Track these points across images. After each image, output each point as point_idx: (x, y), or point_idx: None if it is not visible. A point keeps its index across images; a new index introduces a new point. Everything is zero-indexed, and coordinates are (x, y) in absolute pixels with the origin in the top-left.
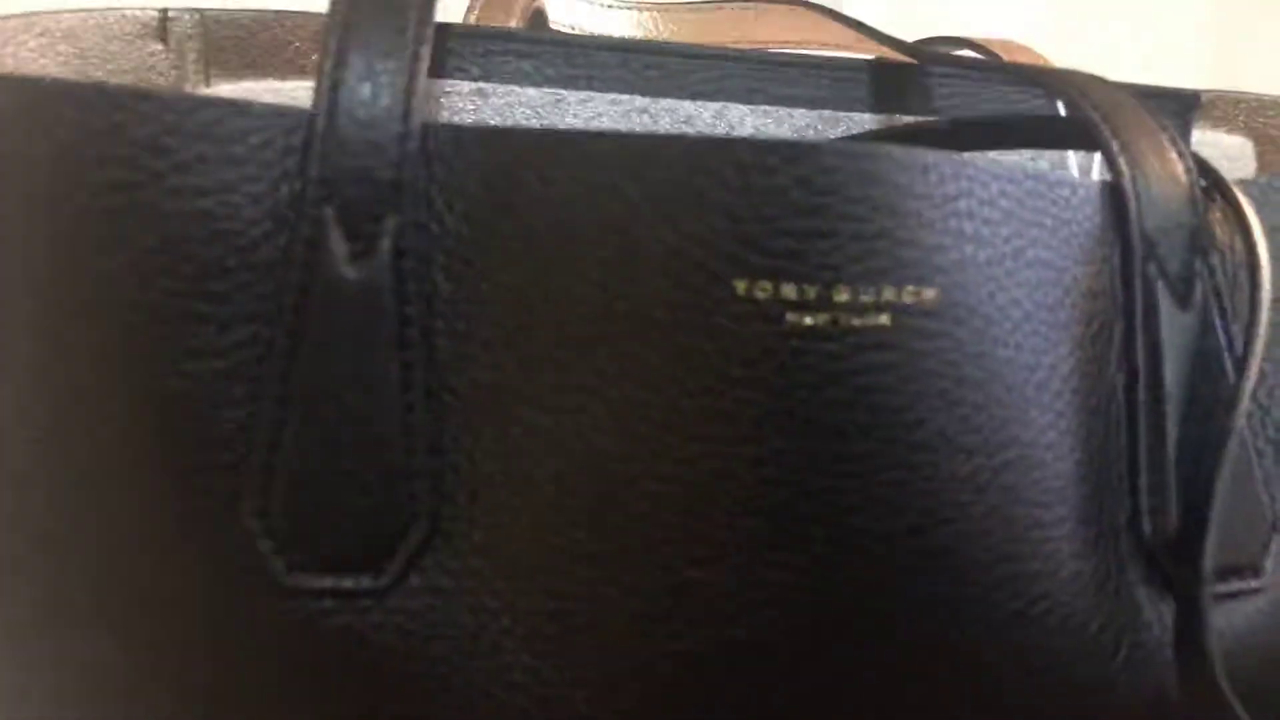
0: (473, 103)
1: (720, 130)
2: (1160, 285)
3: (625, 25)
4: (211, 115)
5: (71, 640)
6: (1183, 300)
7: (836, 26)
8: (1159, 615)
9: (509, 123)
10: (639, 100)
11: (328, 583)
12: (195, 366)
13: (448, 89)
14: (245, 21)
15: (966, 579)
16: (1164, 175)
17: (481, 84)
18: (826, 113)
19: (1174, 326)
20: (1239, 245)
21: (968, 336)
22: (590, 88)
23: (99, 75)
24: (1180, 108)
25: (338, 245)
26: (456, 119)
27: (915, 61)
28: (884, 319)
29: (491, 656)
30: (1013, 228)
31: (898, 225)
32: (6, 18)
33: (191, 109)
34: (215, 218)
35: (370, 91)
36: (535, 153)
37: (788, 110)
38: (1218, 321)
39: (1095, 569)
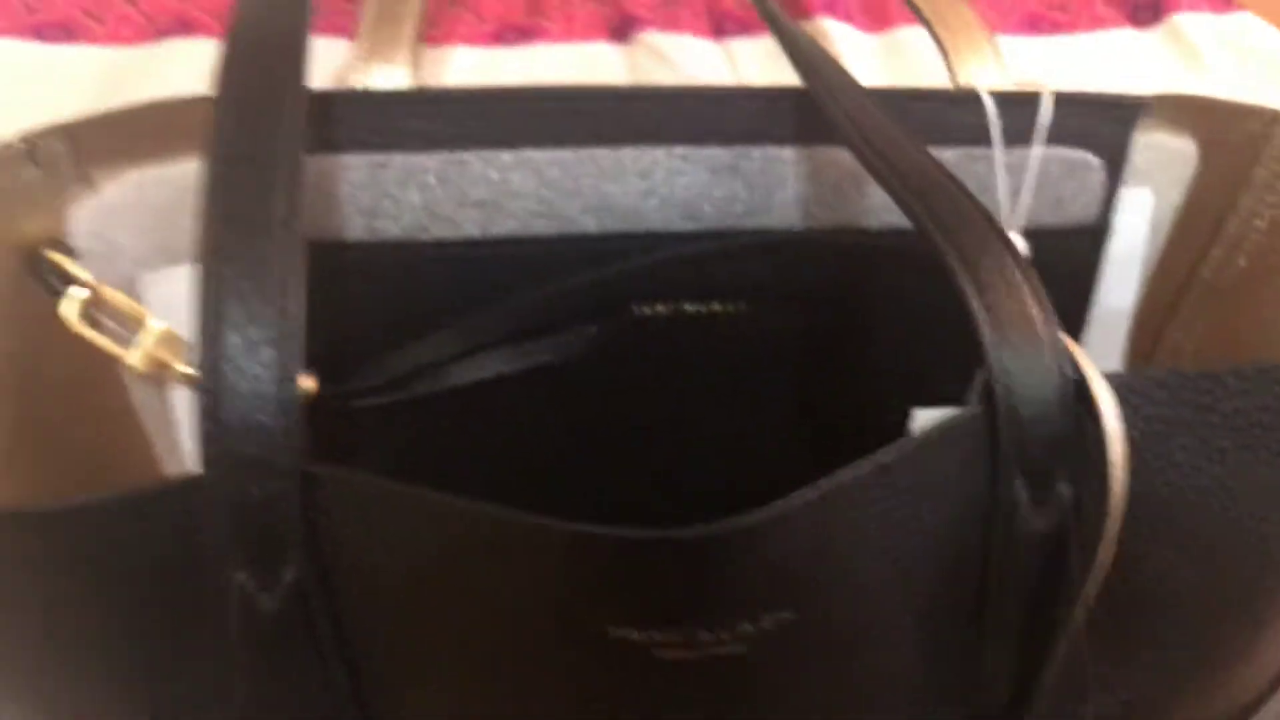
0: (372, 176)
1: (642, 179)
2: (1023, 494)
3: None
4: (108, 526)
5: None
6: (1043, 503)
7: None
8: None
9: (409, 192)
10: (547, 154)
11: None
12: (159, 689)
13: (345, 165)
14: (113, 119)
15: None
16: (1038, 380)
17: (378, 155)
18: (740, 148)
19: (1032, 528)
20: (1098, 446)
21: (822, 639)
22: (496, 145)
23: None
24: (1124, 115)
25: (248, 584)
26: (356, 195)
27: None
28: (741, 648)
29: None
30: (877, 527)
31: (759, 571)
32: None
33: (83, 518)
34: (158, 594)
35: (243, 425)
36: (406, 513)
37: (704, 150)
38: (1073, 518)
39: None
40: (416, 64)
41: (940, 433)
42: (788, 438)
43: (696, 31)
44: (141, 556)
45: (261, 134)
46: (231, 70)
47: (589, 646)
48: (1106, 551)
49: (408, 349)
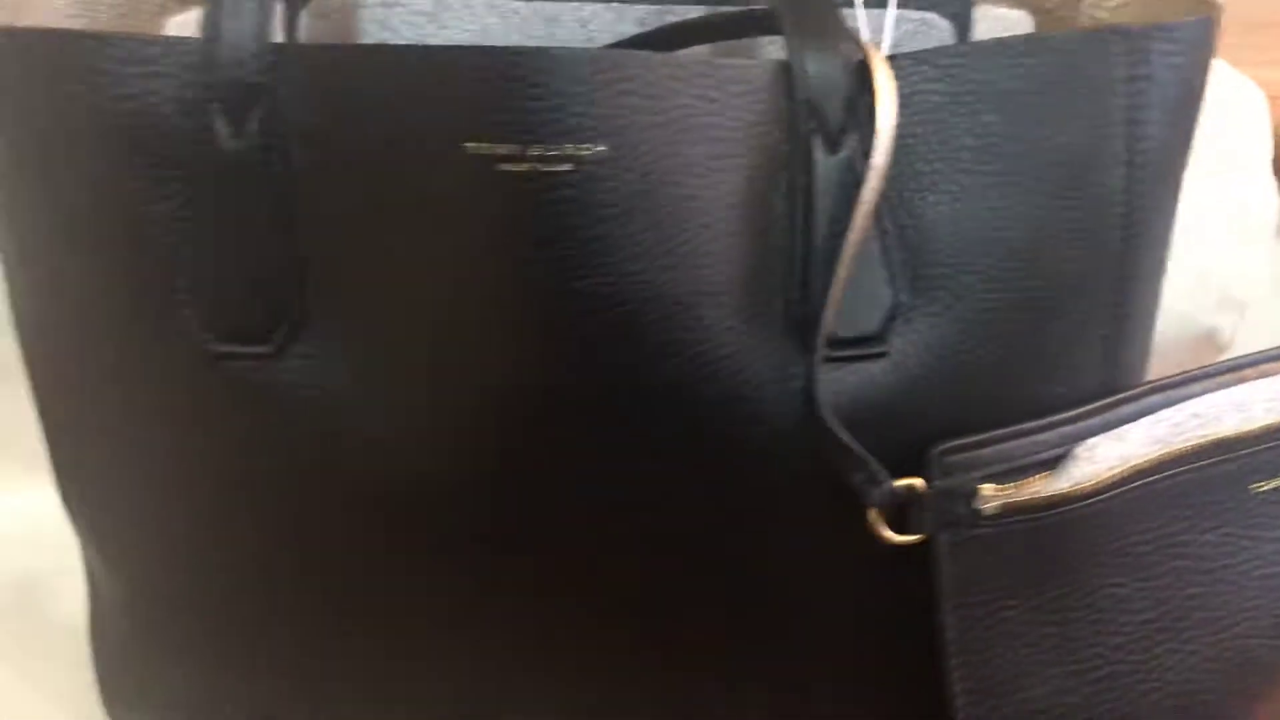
0: (386, 15)
1: (581, 27)
2: (817, 139)
3: None
4: (133, 47)
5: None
6: (834, 148)
7: None
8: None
9: (388, 28)
10: (515, 4)
11: (238, 348)
12: (143, 209)
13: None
14: None
15: (645, 347)
16: (827, 53)
17: None
18: (663, 6)
19: (826, 168)
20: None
21: (636, 179)
22: None
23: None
24: None
25: (222, 128)
26: (367, 28)
27: None
28: (567, 166)
29: (365, 409)
30: (678, 101)
31: (574, 102)
32: None
33: (121, 42)
34: (145, 113)
35: (236, 22)
36: (354, 64)
37: (635, 8)
38: (860, 162)
39: (754, 338)
40: None
41: (742, 72)
42: None
43: None
44: (150, 85)
45: None
46: None
47: (448, 166)
48: (877, 181)
49: None
